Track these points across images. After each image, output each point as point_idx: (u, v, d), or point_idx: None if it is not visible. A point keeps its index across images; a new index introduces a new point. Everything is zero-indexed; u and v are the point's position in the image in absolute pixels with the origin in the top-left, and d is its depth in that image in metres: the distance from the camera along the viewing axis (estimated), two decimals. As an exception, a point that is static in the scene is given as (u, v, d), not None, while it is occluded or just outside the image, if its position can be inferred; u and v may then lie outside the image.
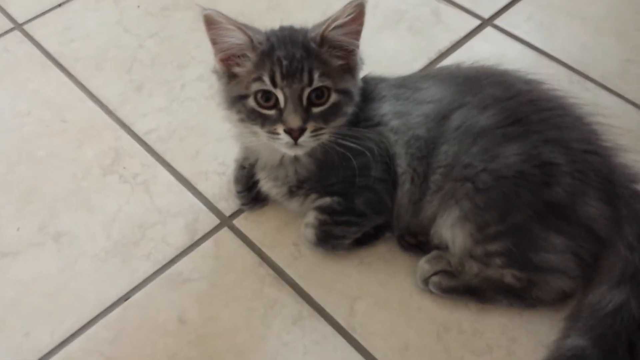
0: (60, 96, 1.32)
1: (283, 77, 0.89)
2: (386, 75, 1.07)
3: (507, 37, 1.39)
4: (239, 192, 1.11)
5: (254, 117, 0.93)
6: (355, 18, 0.89)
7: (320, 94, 0.91)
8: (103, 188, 1.16)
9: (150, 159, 1.20)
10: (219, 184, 1.16)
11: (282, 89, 0.89)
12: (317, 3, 1.49)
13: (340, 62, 0.93)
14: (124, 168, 1.19)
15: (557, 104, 0.98)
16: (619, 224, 0.93)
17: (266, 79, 0.89)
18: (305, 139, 0.90)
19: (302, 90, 0.89)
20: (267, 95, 0.91)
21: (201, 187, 1.16)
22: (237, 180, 1.11)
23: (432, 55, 1.36)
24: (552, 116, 0.95)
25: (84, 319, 0.99)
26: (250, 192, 1.10)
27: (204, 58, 1.34)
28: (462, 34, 1.40)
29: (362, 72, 1.00)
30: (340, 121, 0.94)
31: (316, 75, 0.89)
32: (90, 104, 1.30)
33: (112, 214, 1.12)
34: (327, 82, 0.90)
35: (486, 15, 1.43)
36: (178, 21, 1.46)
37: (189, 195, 1.15)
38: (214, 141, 1.22)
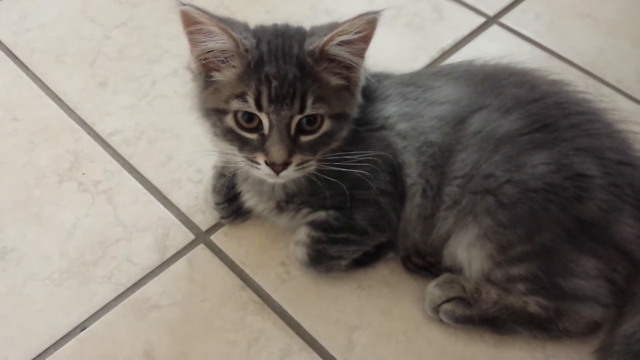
0: (12, 91, 1.20)
1: (271, 101, 0.77)
2: (390, 71, 0.96)
3: (515, 37, 1.30)
4: (217, 204, 0.98)
5: (231, 137, 0.81)
6: (366, 37, 0.77)
7: (312, 120, 0.79)
8: (59, 198, 1.03)
9: (114, 165, 1.07)
10: (195, 193, 1.04)
11: (268, 114, 0.77)
12: (305, -5, 1.37)
13: (339, 81, 0.81)
14: (84, 174, 1.06)
15: (587, 108, 0.90)
16: None
17: (250, 99, 0.77)
18: (288, 172, 0.80)
19: (292, 117, 0.77)
20: (249, 115, 0.78)
21: (173, 197, 1.03)
22: (216, 190, 0.98)
23: (435, 54, 1.26)
24: (582, 121, 0.87)
25: (32, 354, 0.87)
26: (231, 204, 0.98)
27: (179, 51, 1.22)
28: (466, 32, 1.31)
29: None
30: (332, 147, 0.83)
31: (309, 102, 0.77)
32: (47, 100, 1.17)
33: (68, 228, 0.99)
34: (322, 110, 0.79)
35: (491, 12, 1.35)
36: (150, 10, 1.34)
37: (159, 206, 1.02)
38: (189, 145, 1.10)
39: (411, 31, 1.30)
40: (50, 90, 1.19)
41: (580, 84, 1.18)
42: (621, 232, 0.82)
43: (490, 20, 1.32)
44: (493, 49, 1.26)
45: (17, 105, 1.16)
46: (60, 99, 1.17)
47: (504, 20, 1.33)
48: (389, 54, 1.25)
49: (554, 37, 1.30)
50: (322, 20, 1.31)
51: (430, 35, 1.29)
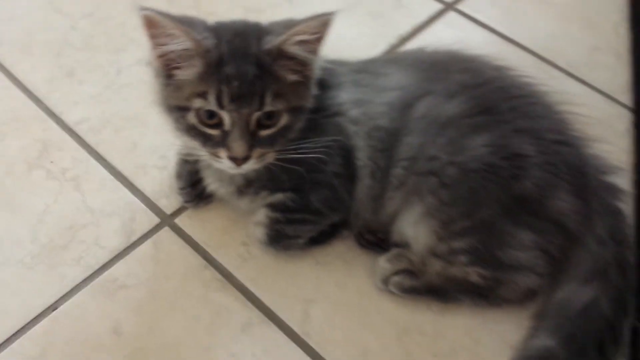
0: None
1: (232, 99, 0.80)
2: (345, 59, 0.99)
3: (471, 23, 1.35)
4: (181, 189, 1.02)
5: (193, 133, 0.84)
6: (320, 37, 0.81)
7: (270, 115, 0.83)
8: (28, 185, 1.06)
9: (81, 152, 1.10)
10: (160, 179, 1.07)
11: (229, 112, 0.81)
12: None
13: (295, 77, 0.84)
14: (52, 162, 1.09)
15: (528, 91, 0.94)
16: (589, 218, 0.90)
17: (212, 98, 0.80)
18: (249, 165, 0.84)
19: (251, 114, 0.81)
20: (211, 113, 0.82)
21: (139, 183, 1.07)
22: (179, 175, 1.02)
23: (393, 40, 1.31)
24: (522, 104, 0.91)
25: (6, 333, 0.90)
26: (194, 189, 1.02)
27: (144, 41, 1.23)
28: (424, 18, 1.35)
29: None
30: (289, 138, 0.87)
31: (268, 99, 0.81)
32: (16, 91, 1.19)
33: (38, 215, 1.02)
34: (280, 105, 0.82)
35: None
36: (115, 0, 1.36)
37: (126, 192, 1.06)
38: (154, 132, 1.12)
39: (371, 19, 1.34)
40: (19, 81, 1.20)
41: (531, 68, 1.23)
42: (556, 207, 0.87)
43: (448, 7, 1.37)
44: (450, 35, 1.31)
45: (-15, 96, 1.18)
46: (28, 90, 1.19)
47: (460, 6, 1.37)
48: (350, 41, 1.28)
49: (508, 23, 1.34)
50: (284, 7, 1.36)
51: (390, 22, 1.33)
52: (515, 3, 1.39)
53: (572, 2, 1.40)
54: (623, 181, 0.98)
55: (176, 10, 1.30)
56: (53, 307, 0.93)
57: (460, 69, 0.93)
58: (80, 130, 1.13)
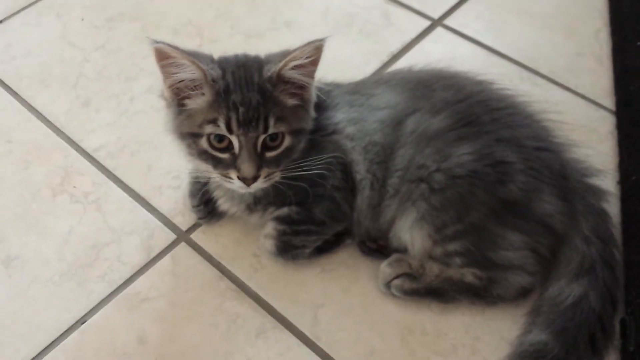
0: (4, 116, 1.29)
1: (239, 125, 0.87)
2: (338, 80, 1.07)
3: (457, 37, 1.41)
4: (195, 207, 1.09)
5: (205, 157, 0.92)
6: (315, 60, 0.88)
7: (274, 137, 0.90)
8: (53, 209, 1.13)
9: (101, 177, 1.18)
10: (174, 198, 1.14)
11: (238, 136, 0.88)
12: (266, 10, 1.49)
13: (294, 100, 0.91)
14: (74, 187, 1.16)
15: (508, 103, 1.00)
16: (574, 219, 0.95)
17: (222, 124, 0.88)
18: (257, 184, 0.91)
19: (258, 137, 0.89)
20: (220, 137, 0.89)
21: (155, 202, 1.14)
22: (192, 194, 1.09)
23: (385, 57, 1.37)
24: (503, 115, 0.97)
25: (40, 346, 0.97)
26: (206, 206, 1.08)
27: (153, 69, 1.30)
28: (413, 35, 1.41)
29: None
30: (293, 158, 0.94)
31: (272, 122, 0.88)
32: (37, 122, 1.27)
33: (64, 236, 1.10)
34: (282, 128, 0.90)
35: (436, 15, 1.45)
36: (124, 32, 1.44)
37: (143, 211, 1.13)
38: (167, 154, 1.19)
39: (363, 37, 1.41)
40: (39, 113, 1.28)
41: (516, 78, 1.32)
42: (542, 209, 0.92)
43: (435, 23, 1.43)
44: (438, 49, 1.37)
45: (9, 128, 1.25)
46: (48, 120, 1.26)
47: (447, 22, 1.43)
48: (345, 59, 1.35)
49: (492, 35, 1.40)
50: (283, 31, 1.44)
51: (381, 40, 1.40)
52: (499, 15, 1.44)
53: (553, 11, 1.45)
54: (607, 182, 1.03)
55: (181, 37, 1.40)
56: (82, 320, 1.00)
57: (443, 86, 0.99)
58: (99, 156, 1.20)
